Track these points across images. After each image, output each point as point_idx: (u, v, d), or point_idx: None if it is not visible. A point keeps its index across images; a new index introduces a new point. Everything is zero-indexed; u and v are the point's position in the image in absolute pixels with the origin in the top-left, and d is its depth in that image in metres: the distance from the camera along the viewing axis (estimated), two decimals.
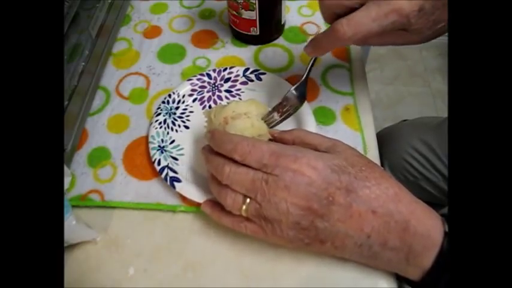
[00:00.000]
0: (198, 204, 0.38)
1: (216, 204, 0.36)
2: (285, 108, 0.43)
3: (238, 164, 0.33)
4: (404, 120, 0.74)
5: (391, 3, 0.32)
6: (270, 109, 0.42)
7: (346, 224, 0.30)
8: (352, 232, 0.31)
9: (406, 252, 0.30)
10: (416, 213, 0.31)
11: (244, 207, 0.32)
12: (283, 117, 0.43)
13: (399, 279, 0.34)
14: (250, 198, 0.32)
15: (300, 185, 0.30)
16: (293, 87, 0.43)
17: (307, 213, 0.30)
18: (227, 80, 0.48)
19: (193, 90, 0.47)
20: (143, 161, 0.43)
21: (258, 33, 0.51)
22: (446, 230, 0.31)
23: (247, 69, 0.48)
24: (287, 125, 0.44)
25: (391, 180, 0.32)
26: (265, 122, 0.40)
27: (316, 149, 0.34)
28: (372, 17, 0.32)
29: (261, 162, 0.32)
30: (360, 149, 0.43)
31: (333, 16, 0.35)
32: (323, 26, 0.55)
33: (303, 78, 0.43)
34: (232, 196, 0.33)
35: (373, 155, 0.43)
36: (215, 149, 0.35)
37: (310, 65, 0.43)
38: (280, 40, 0.54)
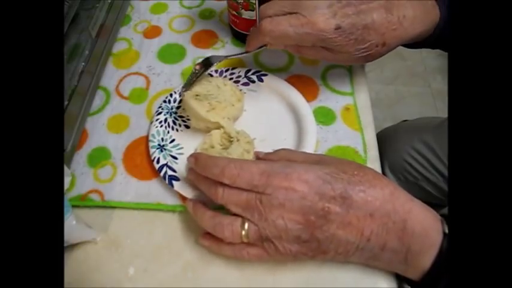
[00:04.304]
0: None
1: (214, 236, 0.35)
2: (199, 71, 0.44)
3: (229, 186, 0.33)
4: (405, 121, 0.74)
5: (309, 18, 0.37)
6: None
7: (345, 230, 0.30)
8: (352, 238, 0.31)
9: (405, 253, 0.30)
10: (412, 212, 0.31)
11: (243, 232, 0.32)
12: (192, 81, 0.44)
13: (399, 279, 0.34)
14: (248, 219, 0.32)
15: (294, 200, 0.30)
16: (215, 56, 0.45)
17: (306, 226, 0.30)
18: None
19: None
20: (143, 160, 0.43)
21: None
22: (446, 231, 0.31)
23: (248, 70, 0.48)
24: (286, 123, 0.44)
25: (385, 180, 0.32)
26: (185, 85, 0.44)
27: None
28: (290, 22, 0.37)
29: (252, 183, 0.32)
30: (360, 149, 0.43)
31: None
32: None
33: (227, 56, 0.45)
34: (229, 228, 0.32)
35: (373, 155, 0.43)
36: (201, 173, 0.35)
37: (240, 53, 0.45)
38: None
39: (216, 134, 0.41)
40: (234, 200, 0.32)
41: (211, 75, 0.48)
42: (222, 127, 0.41)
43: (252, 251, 0.33)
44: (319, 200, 0.30)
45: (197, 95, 0.42)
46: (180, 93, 0.45)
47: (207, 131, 0.42)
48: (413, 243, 0.30)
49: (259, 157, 0.38)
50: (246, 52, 0.44)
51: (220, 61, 0.45)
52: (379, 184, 0.31)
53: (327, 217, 0.30)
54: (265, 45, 0.42)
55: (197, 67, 0.44)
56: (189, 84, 0.44)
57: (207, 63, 0.45)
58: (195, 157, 0.36)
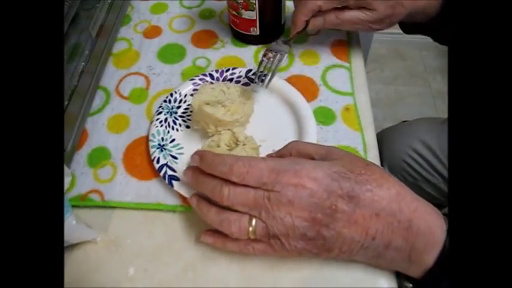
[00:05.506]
0: None
1: (217, 231, 0.35)
2: (273, 57, 0.46)
3: (236, 184, 0.32)
4: (404, 121, 0.74)
5: None
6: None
7: (351, 229, 0.30)
8: (358, 237, 0.31)
9: (409, 251, 0.31)
10: (418, 211, 0.31)
11: (251, 229, 0.32)
12: (275, 66, 0.45)
13: (399, 276, 0.34)
14: (255, 217, 0.32)
15: (303, 197, 0.30)
16: (282, 39, 0.48)
17: (313, 224, 0.30)
18: (229, 81, 0.48)
19: (195, 90, 0.47)
20: (143, 160, 0.43)
21: (258, 33, 0.51)
22: None
23: (249, 70, 0.48)
24: (287, 123, 0.44)
25: (391, 179, 0.32)
26: (258, 77, 0.45)
27: (312, 158, 0.34)
28: None
29: (261, 180, 0.31)
30: (360, 149, 0.43)
31: None
32: None
33: (292, 36, 0.47)
34: (236, 224, 0.32)
35: (373, 155, 0.43)
36: (207, 171, 0.34)
37: (290, 38, 0.47)
38: None
39: (226, 135, 0.41)
40: (240, 201, 0.32)
41: (212, 82, 0.48)
42: (232, 130, 0.41)
43: (257, 246, 0.33)
44: (327, 197, 0.30)
45: (207, 103, 0.42)
46: (256, 80, 0.45)
47: (213, 132, 0.42)
48: (417, 241, 0.30)
49: (272, 155, 0.38)
50: (294, 36, 0.47)
51: (286, 52, 0.47)
52: (386, 184, 0.31)
53: (333, 215, 0.30)
54: (304, 28, 0.46)
55: (270, 54, 0.46)
56: (263, 75, 0.45)
57: (277, 50, 0.46)
58: (200, 155, 0.35)
